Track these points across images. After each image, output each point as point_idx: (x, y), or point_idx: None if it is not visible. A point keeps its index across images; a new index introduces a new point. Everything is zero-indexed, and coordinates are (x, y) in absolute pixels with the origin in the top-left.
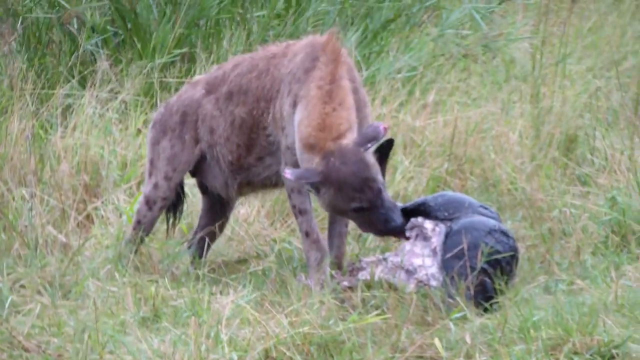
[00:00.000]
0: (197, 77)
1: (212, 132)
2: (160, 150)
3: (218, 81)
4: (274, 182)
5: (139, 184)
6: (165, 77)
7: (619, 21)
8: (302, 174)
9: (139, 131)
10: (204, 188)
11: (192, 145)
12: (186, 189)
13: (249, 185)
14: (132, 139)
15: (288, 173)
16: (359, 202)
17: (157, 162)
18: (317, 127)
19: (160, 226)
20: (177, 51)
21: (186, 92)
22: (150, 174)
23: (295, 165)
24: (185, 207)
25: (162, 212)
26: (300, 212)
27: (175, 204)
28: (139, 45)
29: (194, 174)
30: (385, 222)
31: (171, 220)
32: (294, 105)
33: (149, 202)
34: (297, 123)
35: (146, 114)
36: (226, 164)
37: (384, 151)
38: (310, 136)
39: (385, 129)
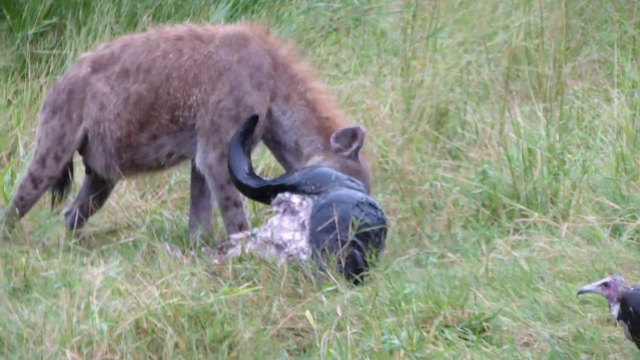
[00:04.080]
0: (82, 55)
1: (101, 109)
2: (49, 129)
3: (106, 60)
4: (162, 164)
5: (10, 155)
6: (35, 48)
7: None
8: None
9: (9, 102)
10: (88, 167)
11: (78, 123)
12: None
13: (133, 166)
14: (2, 110)
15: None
16: None
17: (46, 141)
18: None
19: None
20: (47, 22)
21: (72, 70)
22: (36, 152)
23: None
24: (73, 184)
25: (47, 190)
26: (235, 204)
27: (62, 182)
28: (8, 16)
29: (80, 151)
30: None
31: (58, 197)
32: (273, 99)
33: (35, 180)
34: (301, 117)
35: (16, 84)
36: (113, 141)
37: (249, 127)
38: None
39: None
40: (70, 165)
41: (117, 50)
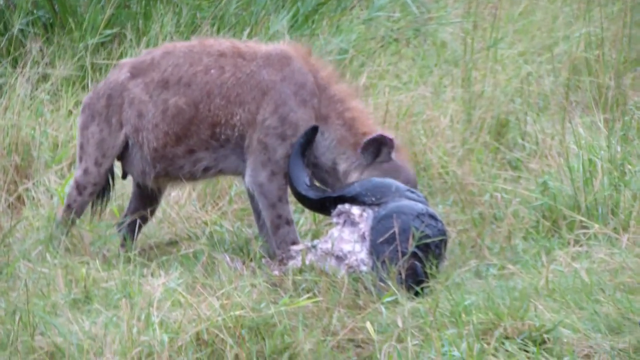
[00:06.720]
0: (123, 60)
1: (139, 116)
2: (89, 135)
3: (146, 66)
4: (197, 177)
5: (71, 165)
6: (96, 58)
7: (550, 6)
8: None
9: (70, 112)
10: (124, 172)
11: (118, 129)
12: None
13: (166, 176)
14: (63, 120)
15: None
16: None
17: (87, 147)
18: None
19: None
20: (108, 32)
21: (112, 75)
22: (81, 159)
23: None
24: (113, 192)
25: (93, 197)
26: (287, 222)
27: (104, 188)
28: (67, 27)
29: (118, 157)
30: None
31: (99, 205)
32: (317, 118)
33: (79, 187)
34: (337, 137)
35: (77, 95)
36: (149, 150)
37: (309, 137)
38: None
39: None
40: (111, 171)
41: (157, 57)
